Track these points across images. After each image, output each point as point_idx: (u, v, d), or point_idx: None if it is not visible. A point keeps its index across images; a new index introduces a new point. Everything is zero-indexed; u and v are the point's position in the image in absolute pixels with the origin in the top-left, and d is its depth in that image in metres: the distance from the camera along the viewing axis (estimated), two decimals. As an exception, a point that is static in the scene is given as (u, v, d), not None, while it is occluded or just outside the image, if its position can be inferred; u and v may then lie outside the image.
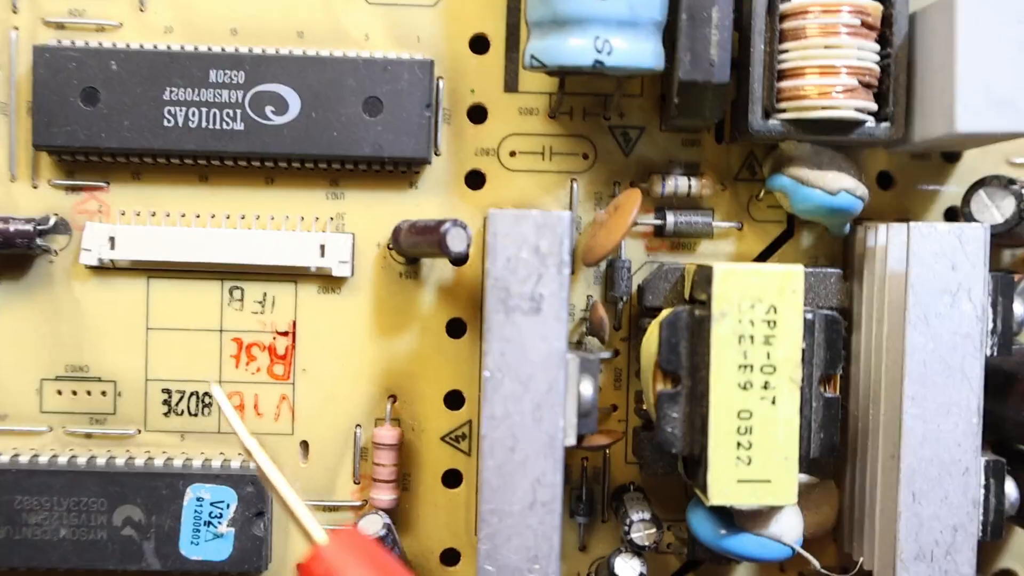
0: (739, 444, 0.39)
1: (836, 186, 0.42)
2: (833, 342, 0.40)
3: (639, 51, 0.41)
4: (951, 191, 0.46)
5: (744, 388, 0.39)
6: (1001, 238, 0.44)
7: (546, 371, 0.39)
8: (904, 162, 0.47)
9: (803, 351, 0.39)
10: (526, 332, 0.39)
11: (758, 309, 0.39)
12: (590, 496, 0.46)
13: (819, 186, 0.43)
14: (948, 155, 0.47)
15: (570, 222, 0.40)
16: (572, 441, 0.40)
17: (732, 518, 0.41)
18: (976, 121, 0.40)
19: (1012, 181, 0.43)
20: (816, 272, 0.43)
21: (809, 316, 0.40)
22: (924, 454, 0.39)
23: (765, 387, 0.39)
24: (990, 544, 0.46)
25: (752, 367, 0.39)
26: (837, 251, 0.46)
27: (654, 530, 0.42)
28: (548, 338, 0.39)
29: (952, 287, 0.39)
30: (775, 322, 0.39)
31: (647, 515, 0.42)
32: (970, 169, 0.46)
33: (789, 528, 0.40)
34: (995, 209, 0.43)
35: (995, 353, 0.40)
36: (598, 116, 0.46)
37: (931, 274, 0.39)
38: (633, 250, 0.46)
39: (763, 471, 0.39)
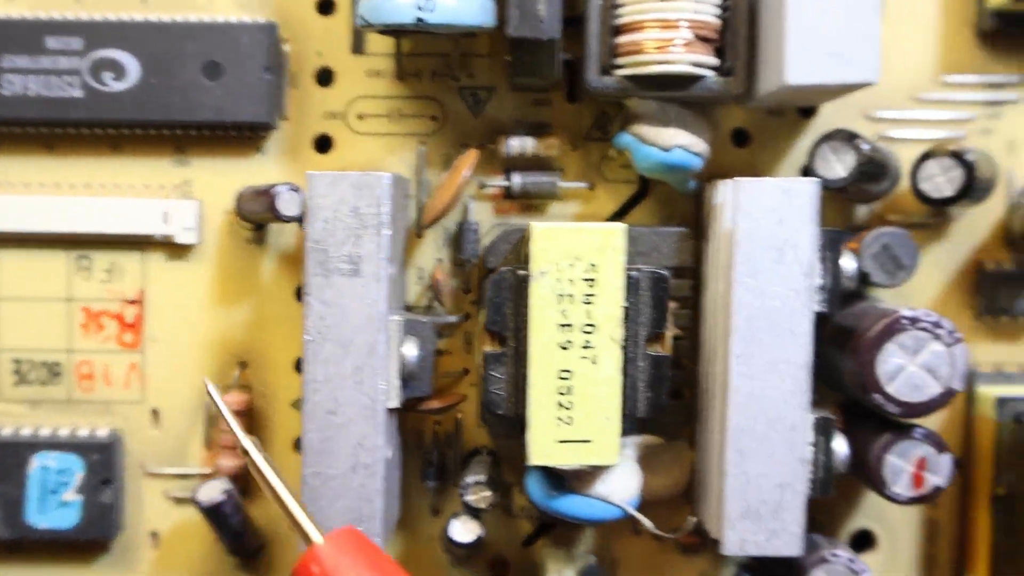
0: (560, 404, 0.38)
1: (671, 143, 0.42)
2: (660, 300, 0.39)
3: (464, 8, 0.40)
4: (807, 147, 0.45)
5: (564, 348, 0.38)
6: (847, 193, 0.43)
7: (366, 333, 0.39)
8: (759, 119, 0.46)
9: (626, 309, 0.39)
10: (346, 294, 0.39)
11: (577, 268, 0.38)
12: (442, 460, 0.45)
13: (655, 143, 0.42)
14: (805, 110, 0.46)
15: (390, 183, 0.39)
16: (395, 404, 0.39)
17: (563, 480, 0.40)
18: (806, 73, 0.39)
19: (855, 135, 0.42)
20: (658, 231, 0.43)
21: (634, 274, 0.39)
22: (751, 412, 0.39)
23: (586, 347, 0.38)
24: (844, 504, 0.45)
25: (572, 326, 0.38)
26: (690, 211, 0.46)
27: (488, 492, 0.42)
28: (367, 300, 0.39)
29: (779, 242, 0.39)
30: (595, 280, 0.38)
31: (483, 477, 0.42)
32: (827, 124, 0.45)
33: (620, 489, 0.40)
34: (838, 164, 0.42)
35: (826, 310, 0.40)
36: (447, 77, 0.45)
37: (758, 229, 0.39)
38: (482, 212, 0.45)
39: (584, 431, 0.38)
